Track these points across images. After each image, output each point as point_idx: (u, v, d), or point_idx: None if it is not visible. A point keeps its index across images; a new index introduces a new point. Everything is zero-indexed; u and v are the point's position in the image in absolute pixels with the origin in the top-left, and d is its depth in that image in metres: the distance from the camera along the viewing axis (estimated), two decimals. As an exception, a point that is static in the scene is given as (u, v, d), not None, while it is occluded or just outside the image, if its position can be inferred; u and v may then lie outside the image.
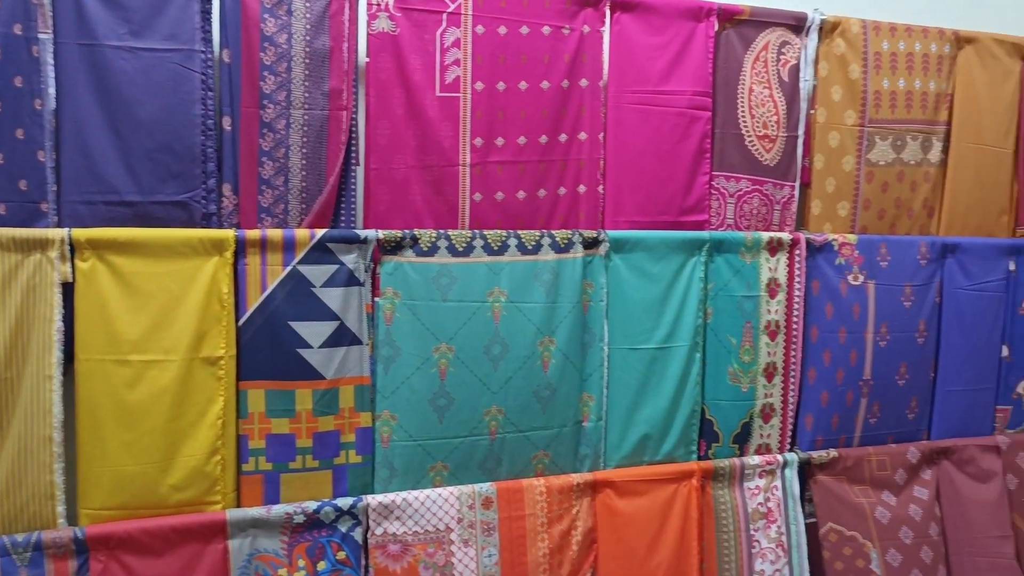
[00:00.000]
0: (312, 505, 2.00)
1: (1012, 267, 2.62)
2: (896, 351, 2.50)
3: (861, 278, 2.45)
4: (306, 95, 2.02)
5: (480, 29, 2.13)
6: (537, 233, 2.17)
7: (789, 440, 2.44)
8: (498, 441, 2.16)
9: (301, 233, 1.99)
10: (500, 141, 2.17)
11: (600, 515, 2.23)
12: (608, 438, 2.27)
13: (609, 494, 2.24)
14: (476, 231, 2.12)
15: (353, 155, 2.08)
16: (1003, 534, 2.48)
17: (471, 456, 2.14)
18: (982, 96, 2.57)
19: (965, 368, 2.59)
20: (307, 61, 2.01)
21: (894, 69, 2.47)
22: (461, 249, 2.11)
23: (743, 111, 2.36)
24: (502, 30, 2.14)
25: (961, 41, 2.54)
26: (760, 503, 2.35)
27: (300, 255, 1.99)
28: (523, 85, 2.17)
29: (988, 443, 2.58)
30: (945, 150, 2.57)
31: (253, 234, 1.96)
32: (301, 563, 1.99)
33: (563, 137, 2.22)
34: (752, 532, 2.33)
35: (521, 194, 2.20)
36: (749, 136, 2.37)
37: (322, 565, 2.00)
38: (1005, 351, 2.64)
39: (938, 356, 2.58)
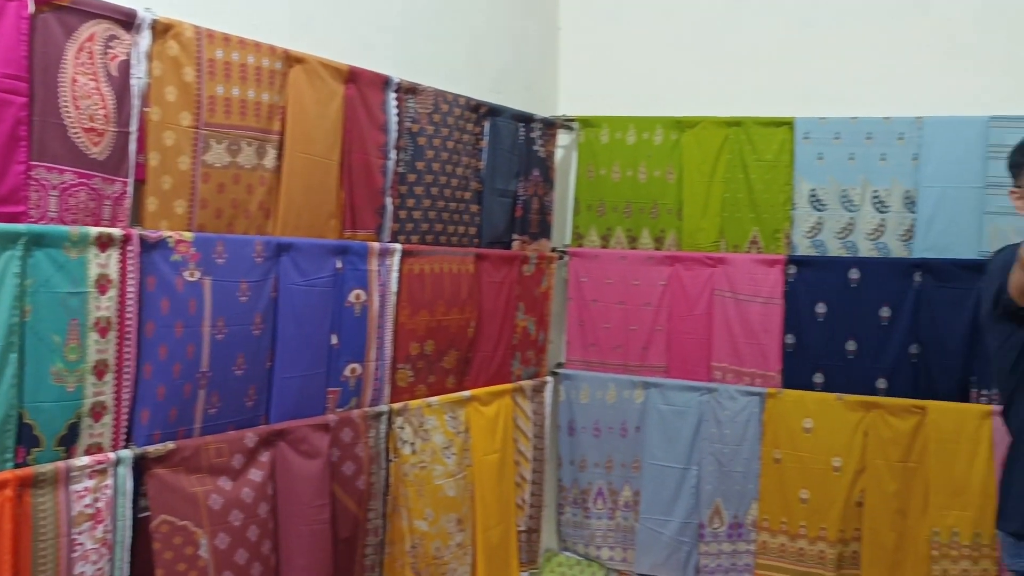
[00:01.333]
0: None
1: (339, 265, 2.97)
2: (234, 343, 2.65)
3: (198, 274, 2.55)
4: None
5: None
6: None
7: (124, 437, 2.42)
8: None
9: None
10: None
11: None
12: None
13: None
14: None
15: None
16: (322, 502, 2.81)
17: None
18: (311, 111, 2.86)
19: (300, 356, 2.86)
20: None
21: (228, 77, 2.62)
22: None
23: (66, 101, 2.27)
24: None
25: (291, 60, 2.80)
26: (88, 504, 2.29)
27: None
28: None
29: (319, 422, 2.89)
30: (279, 157, 2.80)
31: None
32: None
33: None
34: (75, 536, 2.25)
35: None
36: (74, 128, 2.29)
37: None
38: (334, 339, 2.98)
39: (275, 346, 2.79)
